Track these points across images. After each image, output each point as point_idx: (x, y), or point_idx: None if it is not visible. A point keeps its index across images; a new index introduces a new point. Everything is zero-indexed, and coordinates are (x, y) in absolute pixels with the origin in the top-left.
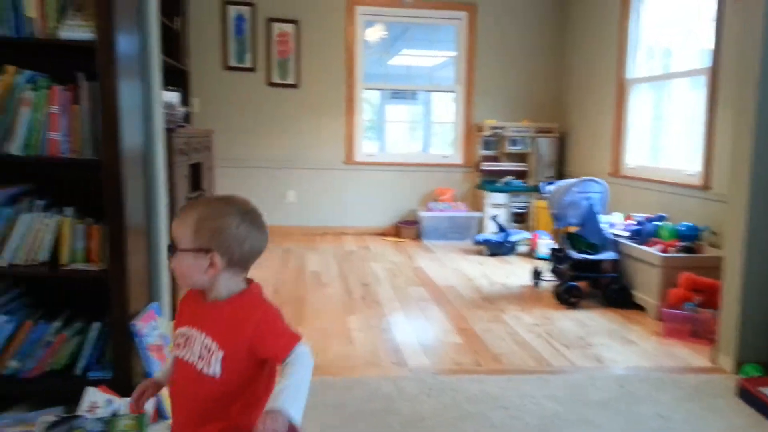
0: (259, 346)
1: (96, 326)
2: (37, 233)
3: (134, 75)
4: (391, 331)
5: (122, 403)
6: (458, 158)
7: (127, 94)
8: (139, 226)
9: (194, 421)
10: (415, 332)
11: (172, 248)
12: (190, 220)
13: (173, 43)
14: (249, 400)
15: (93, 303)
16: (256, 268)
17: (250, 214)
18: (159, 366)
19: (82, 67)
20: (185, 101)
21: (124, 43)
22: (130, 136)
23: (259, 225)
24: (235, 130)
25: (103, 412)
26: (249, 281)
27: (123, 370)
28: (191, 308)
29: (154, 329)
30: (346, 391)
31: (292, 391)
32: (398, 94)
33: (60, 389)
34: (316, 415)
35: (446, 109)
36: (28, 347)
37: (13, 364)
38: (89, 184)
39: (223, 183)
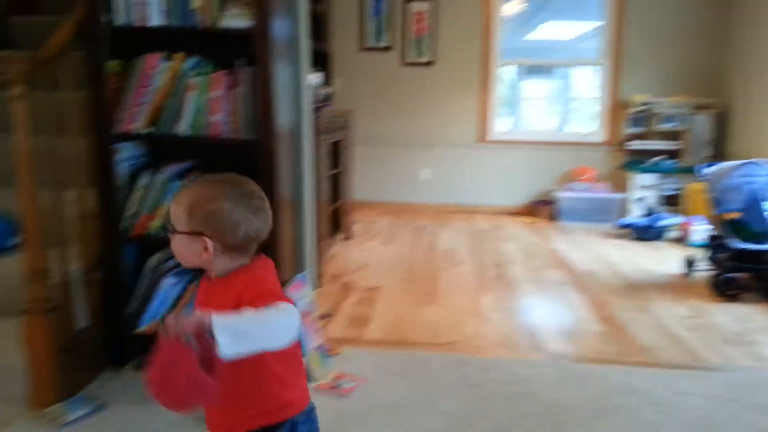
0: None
1: None
2: None
3: (286, 59)
4: (527, 314)
5: None
6: (601, 136)
7: (280, 77)
8: (288, 200)
9: (216, 402)
10: (553, 316)
11: (171, 229)
12: (184, 203)
13: (316, 26)
14: (262, 381)
15: None
16: (391, 243)
17: (245, 198)
18: (303, 331)
19: (240, 53)
20: (327, 82)
21: (278, 29)
22: (282, 116)
23: (256, 209)
24: (370, 108)
25: None
26: (258, 256)
27: None
28: (202, 289)
29: (302, 298)
30: (482, 371)
31: (236, 318)
32: (534, 69)
33: None
34: (454, 391)
35: (588, 83)
36: (192, 308)
37: None
38: (246, 161)
39: (360, 161)
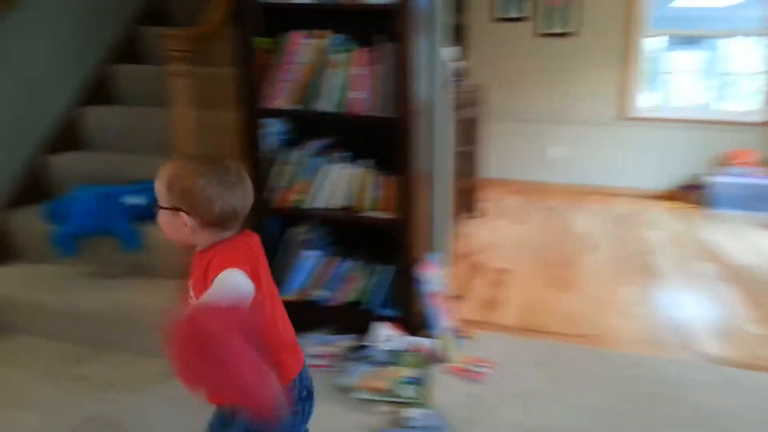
0: (209, 284)
1: (385, 269)
2: (341, 181)
3: (424, 34)
4: (673, 309)
5: (405, 340)
6: (763, 115)
7: (419, 52)
8: (422, 178)
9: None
10: (703, 314)
11: (156, 204)
12: (164, 178)
13: None
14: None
15: (385, 247)
16: (521, 224)
17: (219, 174)
18: (435, 311)
19: (379, 29)
20: (459, 56)
21: (419, 4)
22: (420, 93)
23: (231, 185)
24: (501, 83)
25: (387, 345)
26: (241, 231)
27: (406, 311)
28: (192, 261)
29: (433, 278)
30: (623, 367)
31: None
32: (683, 40)
33: (352, 320)
34: (592, 387)
35: (747, 56)
36: (331, 280)
37: (319, 292)
38: (384, 138)
39: (489, 137)
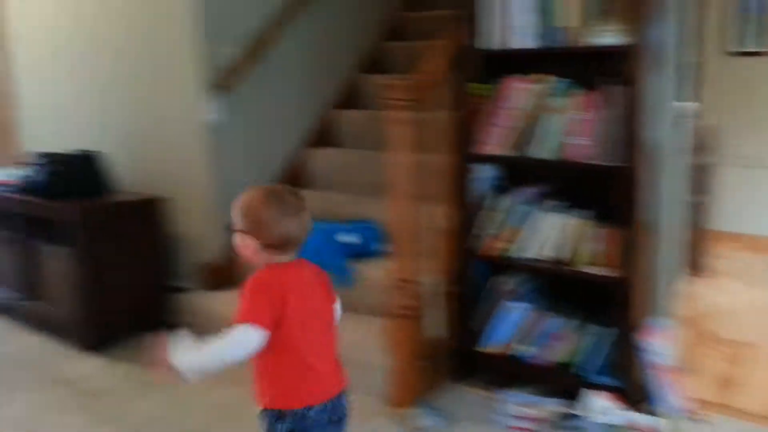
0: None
1: (601, 330)
2: (553, 232)
3: (654, 74)
4: None
5: (623, 414)
6: None
7: (649, 95)
8: (645, 230)
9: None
10: None
11: (231, 226)
12: (239, 204)
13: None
14: (264, 374)
15: (601, 306)
16: (759, 287)
17: (282, 204)
18: (660, 385)
19: (602, 71)
20: (691, 96)
21: (652, 44)
22: (648, 138)
23: (290, 214)
24: (740, 124)
25: (603, 418)
26: (296, 259)
27: (625, 381)
28: None
29: (659, 346)
30: None
31: (195, 352)
32: None
33: (560, 382)
34: None
35: None
36: (538, 336)
37: (524, 348)
38: (604, 186)
39: (725, 185)
